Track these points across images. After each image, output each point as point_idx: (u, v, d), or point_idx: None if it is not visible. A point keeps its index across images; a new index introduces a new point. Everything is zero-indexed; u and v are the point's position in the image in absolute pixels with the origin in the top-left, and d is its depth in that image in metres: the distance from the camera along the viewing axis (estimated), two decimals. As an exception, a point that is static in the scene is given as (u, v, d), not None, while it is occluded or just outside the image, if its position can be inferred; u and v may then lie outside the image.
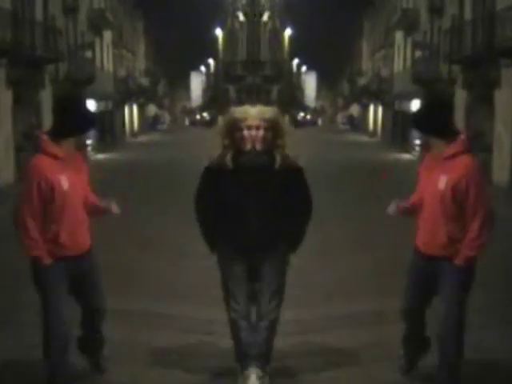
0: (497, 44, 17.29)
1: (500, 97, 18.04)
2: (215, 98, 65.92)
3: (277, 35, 64.65)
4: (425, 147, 4.38)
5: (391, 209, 4.58)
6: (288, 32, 63.64)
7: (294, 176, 4.25)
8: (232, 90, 63.43)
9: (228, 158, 4.16)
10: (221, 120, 5.26)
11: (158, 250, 9.24)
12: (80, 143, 4.32)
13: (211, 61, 72.11)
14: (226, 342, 5.04)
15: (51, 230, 4.15)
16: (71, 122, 4.19)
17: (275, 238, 4.28)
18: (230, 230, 4.25)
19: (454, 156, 4.19)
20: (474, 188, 4.11)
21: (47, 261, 4.13)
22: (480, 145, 19.90)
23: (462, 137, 4.30)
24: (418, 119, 4.36)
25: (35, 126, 20.71)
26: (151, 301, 6.75)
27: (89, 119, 4.32)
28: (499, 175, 17.73)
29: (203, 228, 4.41)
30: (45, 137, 4.24)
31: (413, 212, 4.51)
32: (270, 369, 4.61)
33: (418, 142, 27.62)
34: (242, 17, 61.91)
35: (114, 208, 4.52)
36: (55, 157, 4.15)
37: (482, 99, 19.76)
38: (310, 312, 6.39)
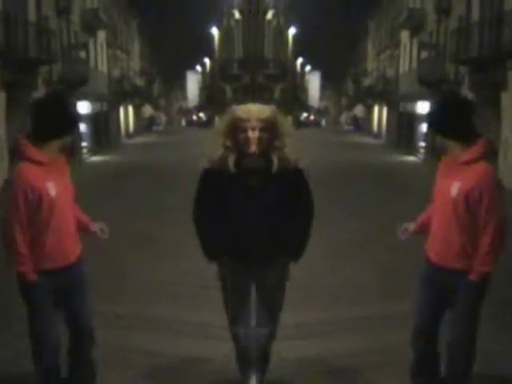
0: (504, 45, 17.06)
1: (507, 99, 17.80)
2: (212, 98, 65.62)
3: (281, 34, 64.43)
4: (440, 151, 4.08)
5: (402, 234, 4.37)
6: (292, 31, 63.44)
7: (293, 179, 3.97)
8: (229, 90, 63.16)
9: (231, 161, 3.87)
10: (219, 120, 4.92)
11: (153, 253, 9.10)
12: (64, 146, 3.99)
13: (207, 60, 71.72)
14: (224, 346, 5.00)
15: (37, 239, 3.90)
16: (53, 123, 3.88)
17: (276, 247, 4.02)
18: (231, 239, 3.99)
19: (470, 162, 3.89)
20: (486, 198, 3.84)
21: (32, 277, 3.90)
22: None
23: (482, 141, 3.99)
24: (433, 119, 4.01)
25: (29, 128, 20.48)
26: (146, 303, 6.63)
27: (72, 119, 4.01)
28: (505, 179, 17.47)
29: (202, 236, 4.10)
30: (25, 141, 3.90)
31: (425, 230, 4.27)
32: (269, 373, 4.50)
33: (423, 144, 27.43)
34: (237, 15, 61.71)
35: (103, 234, 4.32)
36: (40, 163, 3.85)
37: (489, 101, 19.50)
38: (311, 316, 6.27)
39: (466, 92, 21.70)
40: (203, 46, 68.81)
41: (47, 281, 3.94)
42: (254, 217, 3.89)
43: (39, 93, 21.44)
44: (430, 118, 4.06)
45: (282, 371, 4.90)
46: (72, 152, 4.36)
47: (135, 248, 9.32)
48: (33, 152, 3.85)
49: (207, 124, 62.44)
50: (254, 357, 4.29)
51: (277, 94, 63.44)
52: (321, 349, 5.41)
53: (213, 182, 3.94)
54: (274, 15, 64.29)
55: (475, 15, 20.87)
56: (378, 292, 7.04)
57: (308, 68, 79.49)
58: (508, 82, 17.60)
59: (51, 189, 3.86)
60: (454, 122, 3.90)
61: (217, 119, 57.38)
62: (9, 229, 3.85)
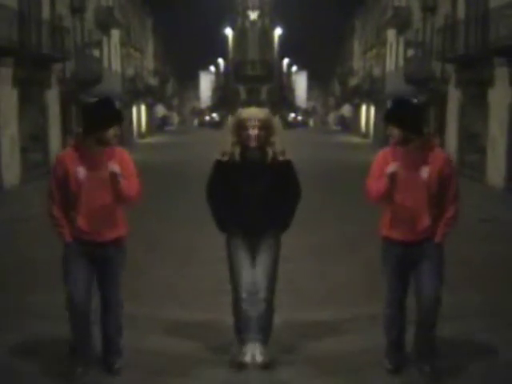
0: (490, 43, 17.05)
1: (494, 96, 17.80)
2: (225, 99, 65.35)
3: (266, 34, 64.37)
4: (400, 143, 4.62)
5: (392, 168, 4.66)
6: (278, 31, 63.40)
7: (284, 168, 4.92)
8: (242, 91, 62.93)
9: (237, 153, 4.84)
10: (230, 120, 6.00)
11: (166, 254, 9.08)
12: (103, 139, 4.57)
13: (221, 60, 71.40)
14: (233, 349, 5.11)
15: (70, 214, 4.61)
16: (90, 121, 4.57)
17: (271, 219, 4.90)
18: (236, 213, 4.87)
19: (431, 149, 4.64)
20: (454, 176, 4.67)
21: (68, 238, 4.62)
22: (474, 145, 19.65)
23: (432, 133, 4.73)
24: (398, 118, 4.58)
25: (41, 126, 20.35)
26: (156, 306, 6.64)
27: (106, 118, 4.57)
28: (493, 177, 17.46)
29: (214, 211, 5.01)
30: (77, 132, 4.74)
31: (388, 195, 4.69)
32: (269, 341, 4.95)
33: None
34: (252, 16, 61.56)
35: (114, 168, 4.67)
36: (78, 150, 4.62)
37: (476, 98, 19.52)
38: (301, 317, 6.25)
39: (453, 90, 21.70)
40: (217, 47, 68.76)
41: (81, 246, 4.62)
42: (253, 196, 4.82)
43: (52, 91, 21.35)
44: (390, 116, 4.64)
45: (274, 373, 4.87)
46: (106, 144, 5.00)
47: (147, 250, 9.25)
48: (75, 141, 4.68)
49: (220, 125, 62.02)
50: (253, 322, 4.80)
51: (264, 95, 63.40)
52: (311, 350, 5.38)
53: (223, 170, 4.89)
54: (260, 16, 64.26)
55: (461, 13, 20.87)
56: (368, 293, 7.00)
57: (294, 68, 79.52)
58: (495, 79, 17.59)
59: (80, 172, 4.55)
60: (415, 119, 4.59)
61: (229, 119, 57.21)
62: (47, 200, 4.66)
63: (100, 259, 4.70)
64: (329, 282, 7.59)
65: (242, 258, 4.87)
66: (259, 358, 4.91)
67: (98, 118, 4.54)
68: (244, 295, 4.82)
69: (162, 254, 9.11)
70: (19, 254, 9.00)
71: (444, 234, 4.66)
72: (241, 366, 4.90)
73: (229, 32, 63.37)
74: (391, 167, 4.60)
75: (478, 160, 18.83)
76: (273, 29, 63.87)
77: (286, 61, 73.26)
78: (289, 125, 65.39)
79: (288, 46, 67.65)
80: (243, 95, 62.67)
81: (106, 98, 4.75)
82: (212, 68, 77.84)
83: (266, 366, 4.89)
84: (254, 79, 62.48)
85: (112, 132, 4.60)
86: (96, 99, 4.77)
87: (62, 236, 4.64)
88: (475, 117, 19.60)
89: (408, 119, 4.55)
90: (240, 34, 63.90)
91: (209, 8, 78.70)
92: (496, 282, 7.60)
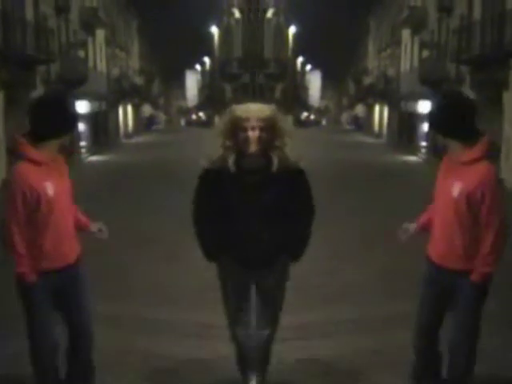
0: (506, 44, 16.96)
1: (509, 98, 17.71)
2: (211, 98, 65.43)
3: (281, 32, 64.25)
4: (443, 151, 4.04)
5: (402, 234, 4.35)
6: (292, 29, 63.26)
7: (293, 179, 3.91)
8: (228, 89, 62.94)
9: (231, 161, 3.83)
10: (219, 120, 4.73)
11: (153, 253, 9.06)
12: (63, 146, 3.97)
13: (207, 59, 71.44)
14: (224, 347, 4.98)
15: (35, 239, 3.88)
16: (51, 123, 3.84)
17: (277, 248, 3.97)
18: (231, 239, 3.94)
19: (472, 162, 3.86)
20: (488, 199, 3.82)
21: (32, 278, 3.88)
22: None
23: (484, 140, 3.95)
24: (434, 119, 3.96)
25: (27, 128, 20.34)
26: (145, 305, 6.59)
27: (71, 119, 3.95)
28: (508, 178, 17.36)
29: (201, 236, 4.08)
30: (23, 141, 3.87)
31: (425, 230, 4.27)
32: (269, 374, 4.46)
33: (424, 143, 27.37)
34: (237, 13, 61.51)
35: (102, 234, 4.29)
36: (38, 163, 3.83)
37: (491, 100, 19.40)
38: (311, 317, 6.22)
39: (468, 91, 21.59)
40: (203, 45, 68.62)
41: (46, 281, 3.91)
42: (253, 216, 3.84)
43: (38, 92, 21.32)
44: (430, 117, 4.01)
45: (282, 372, 4.86)
46: (70, 152, 4.43)
47: (135, 248, 9.27)
48: (31, 152, 3.82)
49: (207, 123, 62.15)
50: (254, 357, 4.22)
51: (277, 94, 63.30)
52: (321, 350, 5.36)
53: (213, 182, 3.87)
54: (274, 14, 64.17)
55: (477, 14, 20.77)
56: (379, 293, 6.99)
57: (308, 67, 79.32)
58: (510, 81, 17.50)
59: (49, 188, 3.83)
60: (454, 121, 3.86)
61: (216, 119, 57.18)
62: (7, 230, 3.83)
63: (67, 286, 4.05)
64: (339, 282, 7.56)
65: (240, 292, 4.08)
66: None
67: (63, 121, 3.86)
68: (243, 333, 4.15)
69: (149, 252, 9.07)
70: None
71: (483, 274, 3.90)
72: None
73: (214, 30, 63.28)
74: (401, 234, 4.32)
75: (493, 161, 18.71)
76: (287, 27, 63.75)
77: (300, 59, 73.11)
78: (301, 124, 65.33)
79: (302, 45, 67.52)
80: (229, 94, 62.50)
81: (57, 94, 4.20)
82: (198, 67, 77.65)
83: None
84: (268, 77, 62.34)
85: (70, 137, 4.06)
86: (44, 96, 4.19)
87: (24, 276, 3.85)
88: (490, 118, 19.48)
89: (446, 121, 3.85)
90: (226, 32, 63.72)
91: (194, 7, 78.79)
92: (505, 284, 7.52)
